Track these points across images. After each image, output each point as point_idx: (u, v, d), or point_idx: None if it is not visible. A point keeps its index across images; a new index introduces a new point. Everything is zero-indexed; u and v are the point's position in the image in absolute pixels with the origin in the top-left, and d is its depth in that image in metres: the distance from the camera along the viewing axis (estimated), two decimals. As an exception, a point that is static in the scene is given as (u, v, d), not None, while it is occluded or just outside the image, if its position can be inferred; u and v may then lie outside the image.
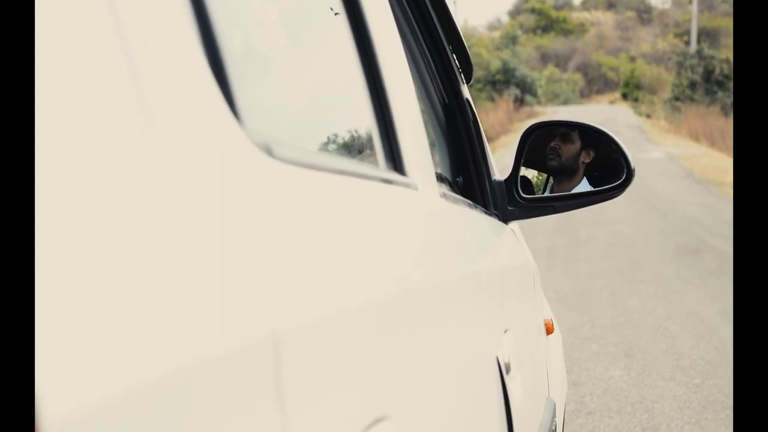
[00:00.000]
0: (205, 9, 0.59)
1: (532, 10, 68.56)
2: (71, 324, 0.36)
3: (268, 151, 0.62)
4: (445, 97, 1.98)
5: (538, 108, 38.69)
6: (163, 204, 0.46)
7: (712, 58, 33.22)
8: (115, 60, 0.46)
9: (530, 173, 2.05)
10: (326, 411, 0.58)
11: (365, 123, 1.08)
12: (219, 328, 0.46)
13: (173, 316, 0.43)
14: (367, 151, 1.08)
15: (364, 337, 0.69)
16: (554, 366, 2.29)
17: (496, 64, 38.37)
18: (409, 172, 1.11)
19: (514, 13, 72.88)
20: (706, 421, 4.10)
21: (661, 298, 6.61)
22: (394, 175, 1.06)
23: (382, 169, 1.07)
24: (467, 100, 2.02)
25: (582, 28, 68.10)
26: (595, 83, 58.60)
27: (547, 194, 2.03)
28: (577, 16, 72.21)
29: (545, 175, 2.07)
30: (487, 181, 1.97)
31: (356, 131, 1.09)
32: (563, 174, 2.05)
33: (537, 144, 2.02)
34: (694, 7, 41.79)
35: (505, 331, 1.44)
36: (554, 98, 48.78)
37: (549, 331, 2.31)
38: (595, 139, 2.03)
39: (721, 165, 17.51)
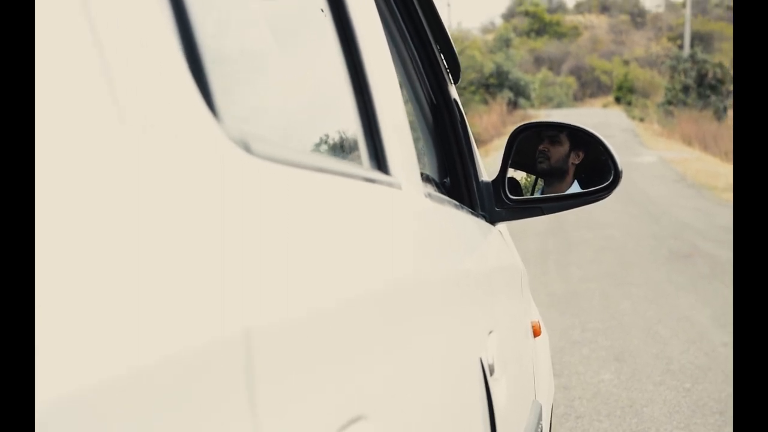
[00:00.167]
0: (184, 5, 0.59)
1: (526, 13, 68.75)
2: (39, 318, 0.36)
3: (246, 147, 0.61)
4: (433, 98, 1.97)
5: (531, 111, 38.76)
6: (133, 200, 0.45)
7: (705, 62, 33.30)
8: (86, 54, 0.45)
9: (519, 175, 2.05)
10: (300, 410, 0.58)
11: (349, 121, 1.07)
12: (189, 325, 0.46)
13: (141, 312, 0.42)
14: (351, 150, 1.07)
15: (340, 336, 0.68)
16: (541, 368, 2.29)
17: (489, 67, 38.45)
18: (393, 172, 1.10)
19: (508, 16, 73.13)
20: (696, 426, 4.10)
21: (653, 302, 6.62)
22: (377, 174, 1.05)
23: (366, 167, 1.06)
24: (455, 100, 2.01)
25: (575, 32, 68.28)
26: (589, 87, 58.74)
27: (534, 195, 2.03)
28: (570, 20, 72.39)
29: (534, 177, 2.06)
30: (474, 182, 1.96)
31: (339, 130, 1.08)
32: (554, 176, 2.04)
33: (525, 146, 2.02)
34: (687, 11, 41.90)
35: (490, 333, 1.43)
36: (548, 101, 48.93)
37: (536, 333, 2.31)
38: (583, 141, 2.03)
39: (714, 169, 17.57)
